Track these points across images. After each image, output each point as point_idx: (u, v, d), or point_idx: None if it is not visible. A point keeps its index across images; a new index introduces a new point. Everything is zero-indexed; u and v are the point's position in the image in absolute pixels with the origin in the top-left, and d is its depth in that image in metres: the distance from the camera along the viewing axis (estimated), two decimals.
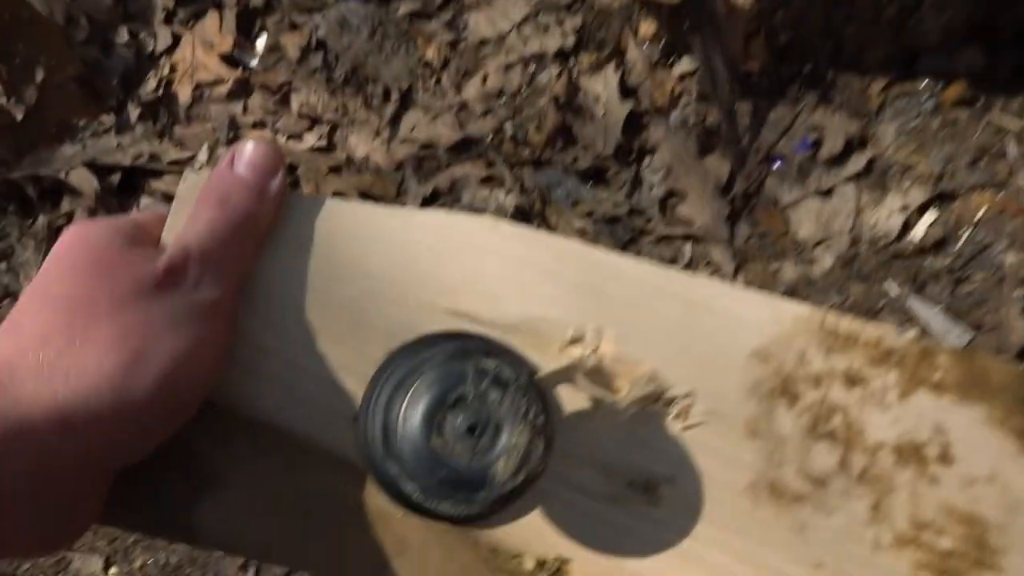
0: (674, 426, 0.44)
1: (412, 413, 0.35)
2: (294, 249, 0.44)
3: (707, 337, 0.45)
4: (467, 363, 0.35)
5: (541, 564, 0.42)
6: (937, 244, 0.53)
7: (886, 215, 0.53)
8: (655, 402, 0.44)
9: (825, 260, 0.53)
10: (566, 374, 0.42)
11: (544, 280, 0.45)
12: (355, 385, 0.43)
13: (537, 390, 0.36)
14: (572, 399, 0.44)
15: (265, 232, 0.42)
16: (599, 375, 0.44)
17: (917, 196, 0.53)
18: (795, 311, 0.46)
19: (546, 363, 0.44)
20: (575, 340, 0.44)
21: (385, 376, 0.42)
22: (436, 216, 0.45)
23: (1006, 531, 0.45)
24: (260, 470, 0.42)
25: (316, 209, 0.44)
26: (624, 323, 0.45)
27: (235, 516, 0.41)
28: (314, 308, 0.43)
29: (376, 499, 0.42)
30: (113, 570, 0.57)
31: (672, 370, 0.44)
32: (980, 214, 0.53)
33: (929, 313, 0.52)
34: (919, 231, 0.53)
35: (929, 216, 0.54)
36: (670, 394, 0.44)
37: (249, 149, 0.41)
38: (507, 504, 0.35)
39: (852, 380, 0.46)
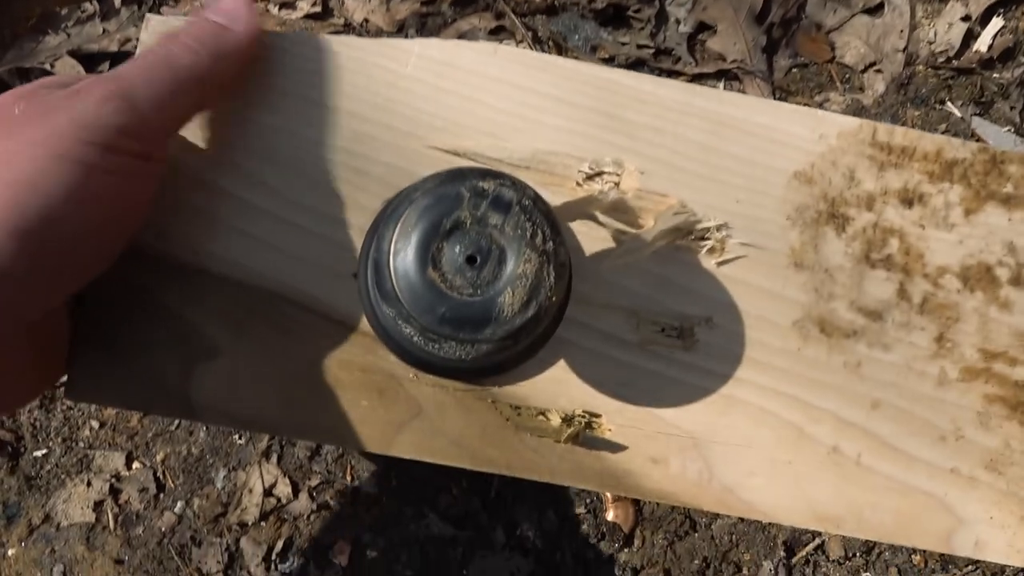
0: (708, 262, 0.39)
1: (404, 246, 0.30)
2: (278, 95, 0.39)
3: (742, 161, 0.40)
4: (462, 184, 0.31)
5: (568, 420, 0.38)
6: (1005, 54, 0.46)
7: (945, 27, 0.47)
8: (685, 236, 0.39)
9: (877, 85, 0.47)
10: (582, 208, 0.38)
11: (554, 109, 0.40)
12: (353, 239, 0.39)
13: (544, 212, 0.31)
14: (592, 238, 0.39)
15: (217, 88, 0.37)
16: (622, 211, 0.39)
17: (981, 2, 0.46)
18: (841, 125, 0.40)
19: (561, 201, 0.39)
20: (592, 175, 0.40)
21: (380, 227, 0.38)
22: (429, 45, 0.40)
23: None
24: (257, 337, 0.38)
25: (300, 48, 0.39)
26: (646, 152, 0.40)
27: (234, 387, 0.38)
28: (303, 159, 0.39)
29: (386, 361, 0.39)
30: (136, 465, 0.56)
31: (704, 200, 0.40)
32: None
33: (997, 133, 0.46)
34: (984, 41, 0.46)
35: (996, 23, 0.47)
36: (702, 227, 0.39)
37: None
38: (518, 342, 0.31)
39: (909, 199, 0.40)
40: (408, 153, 0.39)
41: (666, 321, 0.39)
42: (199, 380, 0.38)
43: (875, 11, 0.49)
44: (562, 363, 0.39)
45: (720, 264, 0.39)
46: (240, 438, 0.45)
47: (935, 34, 0.48)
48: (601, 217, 0.38)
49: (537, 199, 0.31)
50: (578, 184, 0.39)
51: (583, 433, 0.38)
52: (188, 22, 0.38)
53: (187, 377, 0.38)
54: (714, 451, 0.39)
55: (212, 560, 0.51)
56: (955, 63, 0.48)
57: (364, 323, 0.38)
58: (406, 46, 0.40)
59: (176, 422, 0.52)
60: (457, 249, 0.30)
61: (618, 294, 0.39)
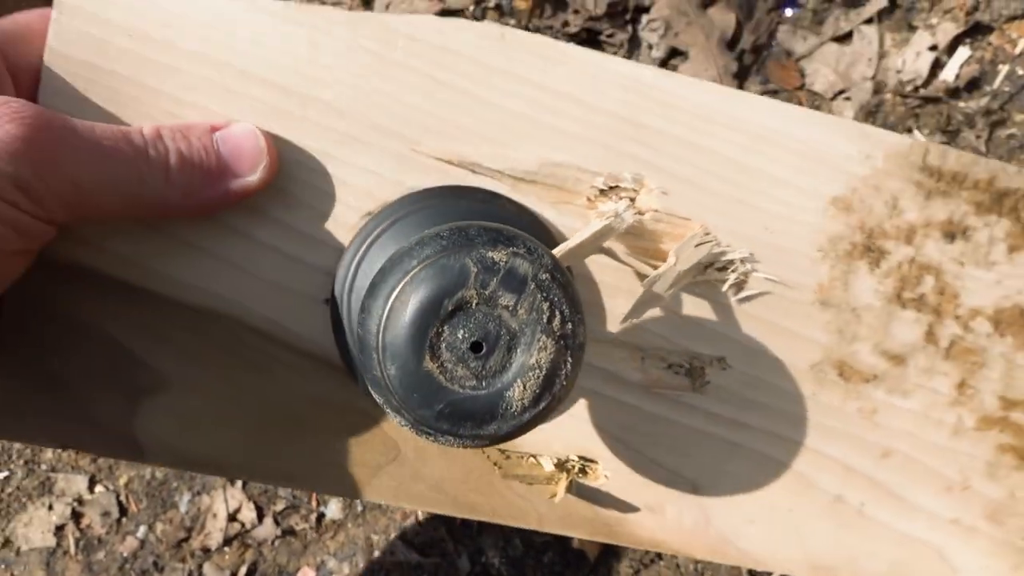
0: (727, 298, 0.35)
1: (396, 326, 0.25)
2: (235, 76, 0.32)
3: (778, 183, 0.35)
4: (468, 255, 0.25)
5: (561, 464, 0.35)
6: (971, 83, 0.42)
7: (913, 56, 0.42)
8: (706, 269, 0.35)
9: (846, 112, 0.43)
10: (595, 243, 0.32)
11: (570, 111, 0.33)
12: (326, 259, 0.33)
13: (563, 284, 0.26)
14: (602, 269, 0.34)
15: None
16: (638, 237, 0.34)
17: (948, 32, 0.41)
18: (890, 144, 0.35)
19: (570, 223, 0.34)
20: (607, 191, 0.34)
21: (362, 249, 0.32)
22: (423, 24, 0.33)
23: None
24: (215, 370, 0.33)
25: (255, 16, 0.32)
26: (672, 169, 0.34)
27: (188, 426, 0.33)
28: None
29: (361, 400, 0.34)
30: (99, 488, 0.52)
31: (730, 227, 0.35)
32: (1020, 47, 0.41)
33: None
34: (951, 71, 0.42)
35: (962, 53, 0.42)
36: (726, 258, 0.35)
37: (238, 133, 0.30)
38: (526, 431, 0.27)
39: (952, 232, 0.36)
40: (395, 158, 0.33)
41: (674, 359, 0.35)
42: (146, 417, 0.33)
43: (844, 39, 0.44)
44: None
45: (741, 301, 0.35)
46: None
47: (903, 63, 0.43)
48: (622, 255, 0.33)
49: (555, 270, 0.26)
50: (589, 200, 0.34)
51: (576, 480, 0.35)
52: (185, 135, 0.29)
53: (131, 413, 0.33)
54: (713, 499, 0.37)
55: None
56: (922, 92, 0.43)
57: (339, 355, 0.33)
58: (393, 24, 0.33)
59: None
60: (460, 334, 0.25)
61: (625, 332, 0.35)
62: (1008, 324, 0.37)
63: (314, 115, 0.32)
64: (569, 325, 0.26)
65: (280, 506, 0.40)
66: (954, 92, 0.44)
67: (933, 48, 0.43)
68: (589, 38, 0.44)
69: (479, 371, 0.26)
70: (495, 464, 0.35)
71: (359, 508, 0.41)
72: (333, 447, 0.34)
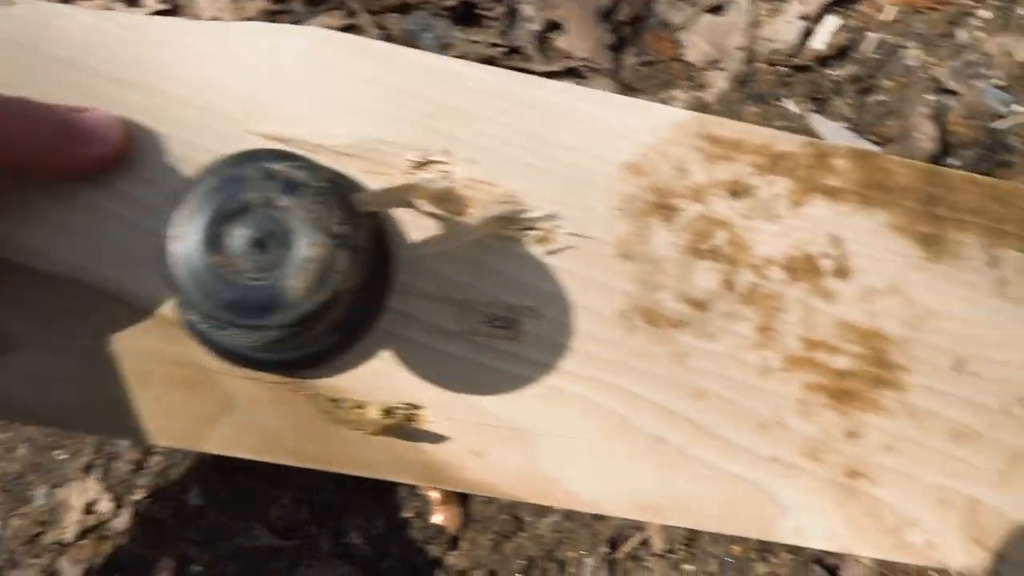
0: (536, 252, 0.39)
1: (184, 230, 0.29)
2: (87, 75, 0.37)
3: (571, 151, 0.40)
4: (251, 166, 0.30)
5: (388, 412, 0.37)
6: (840, 52, 0.47)
7: (784, 26, 0.47)
8: (512, 226, 0.39)
9: (719, 82, 0.48)
10: (402, 195, 0.37)
11: (381, 96, 0.39)
12: (159, 224, 0.37)
13: (340, 195, 0.30)
14: (422, 228, 0.38)
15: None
16: (449, 201, 0.39)
17: (817, 1, 0.47)
18: (672, 117, 0.40)
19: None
20: (421, 164, 0.39)
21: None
22: (255, 30, 0.39)
23: (909, 346, 0.41)
24: (59, 329, 0.37)
25: (104, 24, 0.38)
26: (476, 141, 0.39)
27: (32, 383, 0.36)
28: None
29: (198, 353, 0.37)
30: None
31: (533, 190, 0.39)
32: (888, 14, 0.47)
33: (833, 129, 0.47)
34: (820, 40, 0.47)
35: (831, 22, 0.48)
36: (529, 216, 0.39)
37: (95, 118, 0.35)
38: (310, 329, 0.30)
39: (737, 191, 0.41)
40: (231, 138, 0.38)
41: (493, 312, 0.39)
42: None
43: (718, 10, 0.49)
44: (384, 354, 0.38)
45: (548, 254, 0.39)
46: (62, 453, 0.44)
47: (775, 32, 0.49)
48: (421, 205, 0.37)
49: (334, 180, 0.30)
50: (407, 173, 0.39)
51: (403, 425, 0.38)
52: (52, 106, 0.35)
53: None
54: (537, 442, 0.39)
55: None
56: (793, 61, 0.48)
57: (176, 313, 0.37)
58: (227, 28, 0.38)
59: None
60: (242, 232, 0.29)
61: (444, 285, 0.39)
62: (801, 271, 0.41)
63: (158, 101, 0.37)
64: (345, 227, 0.30)
65: (139, 495, 0.42)
66: (824, 60, 0.48)
67: (804, 18, 0.48)
68: (466, 12, 0.48)
69: (261, 265, 0.29)
70: (324, 412, 0.37)
71: (221, 494, 0.43)
72: (170, 399, 0.37)
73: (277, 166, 0.30)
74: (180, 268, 0.29)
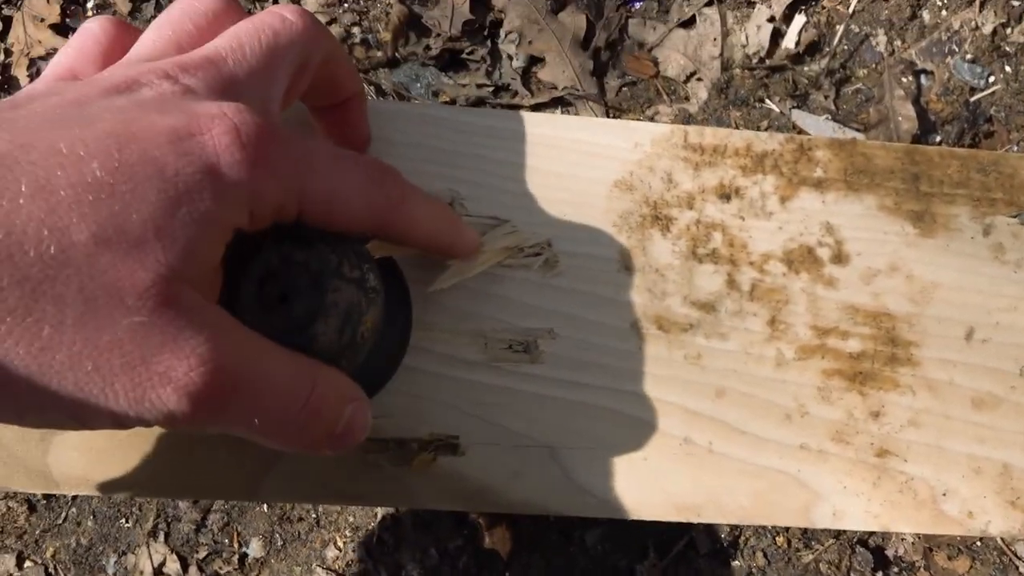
0: (543, 276, 0.41)
1: (226, 295, 0.31)
2: None
3: (563, 177, 0.42)
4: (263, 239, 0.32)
5: (425, 445, 0.39)
6: (811, 47, 0.49)
7: (755, 30, 0.50)
8: (517, 254, 0.41)
9: (700, 92, 0.50)
10: None
11: (374, 150, 0.41)
12: None
13: (346, 242, 0.32)
14: (428, 267, 0.41)
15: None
16: None
17: (782, 1, 0.49)
18: (653, 132, 0.43)
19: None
20: None
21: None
22: None
23: (917, 321, 0.42)
24: None
25: None
26: (470, 179, 0.41)
27: (92, 453, 0.39)
28: None
29: None
30: (27, 563, 0.55)
31: (532, 219, 0.41)
32: (853, 5, 0.49)
33: (816, 122, 0.49)
34: (791, 38, 0.49)
35: (799, 20, 0.50)
36: (532, 243, 0.41)
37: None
38: (342, 370, 0.32)
39: (726, 193, 0.43)
40: None
41: (511, 337, 0.41)
42: (56, 451, 0.39)
43: (689, 24, 0.52)
44: (414, 391, 0.40)
45: (555, 276, 0.41)
46: (127, 521, 0.46)
47: (746, 38, 0.51)
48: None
49: (339, 234, 0.33)
50: None
51: (441, 456, 0.39)
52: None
53: (44, 449, 0.39)
54: (570, 457, 0.40)
55: None
56: (768, 62, 0.51)
57: None
58: None
59: (63, 515, 0.52)
60: (270, 291, 0.32)
61: (461, 318, 0.41)
62: (800, 262, 0.42)
63: None
64: (357, 271, 0.32)
65: (203, 553, 0.44)
66: (797, 58, 0.50)
67: (771, 19, 0.50)
68: (452, 58, 0.51)
69: (288, 316, 0.32)
70: (366, 452, 0.39)
71: (279, 543, 0.44)
72: (217, 458, 0.39)
73: (284, 235, 0.32)
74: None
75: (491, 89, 0.50)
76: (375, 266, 0.33)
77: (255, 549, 0.44)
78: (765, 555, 0.44)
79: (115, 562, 0.44)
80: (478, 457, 0.40)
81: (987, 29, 0.49)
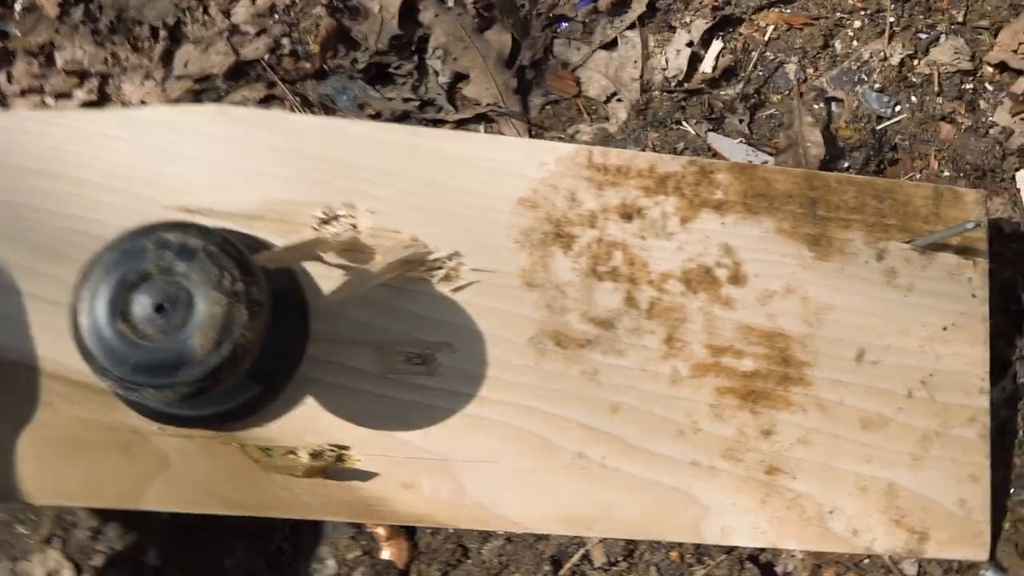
0: (443, 290, 0.42)
1: (90, 303, 0.31)
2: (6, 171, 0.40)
3: (468, 193, 0.42)
4: (147, 238, 0.32)
5: (317, 455, 0.39)
6: (727, 72, 0.51)
7: (674, 54, 0.51)
8: (418, 268, 0.41)
9: (620, 113, 0.51)
10: (308, 250, 0.39)
11: (282, 160, 0.41)
12: None
13: (233, 255, 0.32)
14: (329, 279, 0.41)
15: None
16: (357, 251, 0.41)
17: (700, 28, 0.50)
18: (558, 152, 0.43)
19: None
20: (327, 219, 0.42)
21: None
22: (160, 112, 0.42)
23: (810, 342, 0.43)
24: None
25: (21, 124, 0.41)
26: (375, 193, 0.42)
27: None
28: (26, 230, 0.40)
29: (130, 416, 0.39)
30: None
31: (435, 233, 0.42)
32: (768, 33, 0.51)
33: (731, 145, 0.50)
34: (708, 63, 0.51)
35: (716, 46, 0.51)
36: (434, 257, 0.41)
37: None
38: (221, 381, 0.32)
39: (628, 213, 0.43)
40: (143, 215, 0.40)
41: (408, 350, 0.41)
42: None
43: (611, 46, 0.53)
44: (309, 401, 0.40)
45: (455, 291, 0.42)
46: (24, 528, 0.45)
47: (666, 61, 0.52)
48: (327, 257, 0.40)
49: (225, 244, 0.33)
50: (314, 229, 0.41)
51: (332, 466, 0.39)
52: None
53: None
54: (464, 470, 0.41)
55: None
56: (685, 85, 0.52)
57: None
58: (134, 115, 0.41)
59: None
60: (145, 299, 0.32)
61: (359, 329, 0.41)
62: (698, 282, 0.43)
63: (66, 188, 0.40)
64: (239, 284, 0.32)
65: (99, 560, 0.43)
66: (713, 82, 0.51)
67: (690, 44, 0.51)
68: (379, 72, 0.51)
69: (165, 327, 0.32)
70: (256, 461, 0.39)
71: (177, 552, 0.44)
72: (106, 463, 0.39)
73: (171, 235, 0.32)
74: (88, 337, 0.31)
75: (417, 104, 0.51)
76: (262, 278, 0.33)
77: (152, 558, 0.43)
78: (658, 569, 0.45)
79: (9, 570, 0.43)
80: (370, 468, 0.40)
81: (895, 60, 0.51)
